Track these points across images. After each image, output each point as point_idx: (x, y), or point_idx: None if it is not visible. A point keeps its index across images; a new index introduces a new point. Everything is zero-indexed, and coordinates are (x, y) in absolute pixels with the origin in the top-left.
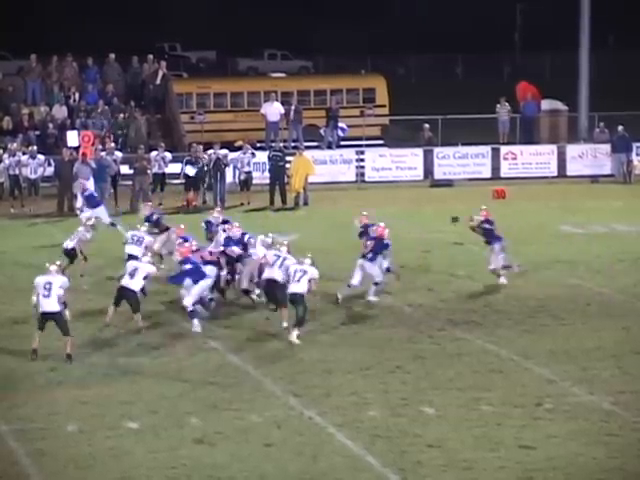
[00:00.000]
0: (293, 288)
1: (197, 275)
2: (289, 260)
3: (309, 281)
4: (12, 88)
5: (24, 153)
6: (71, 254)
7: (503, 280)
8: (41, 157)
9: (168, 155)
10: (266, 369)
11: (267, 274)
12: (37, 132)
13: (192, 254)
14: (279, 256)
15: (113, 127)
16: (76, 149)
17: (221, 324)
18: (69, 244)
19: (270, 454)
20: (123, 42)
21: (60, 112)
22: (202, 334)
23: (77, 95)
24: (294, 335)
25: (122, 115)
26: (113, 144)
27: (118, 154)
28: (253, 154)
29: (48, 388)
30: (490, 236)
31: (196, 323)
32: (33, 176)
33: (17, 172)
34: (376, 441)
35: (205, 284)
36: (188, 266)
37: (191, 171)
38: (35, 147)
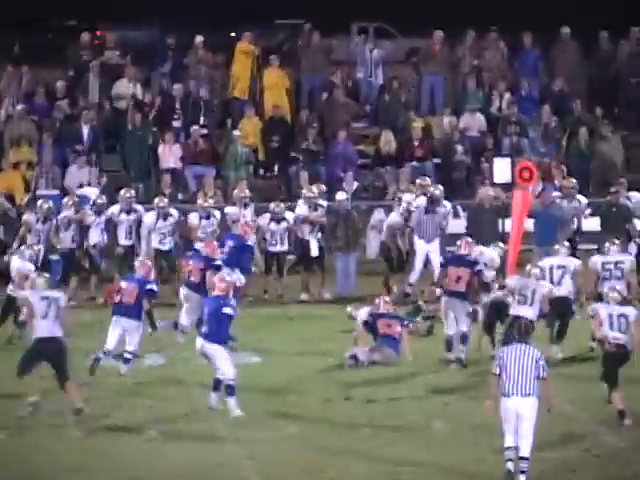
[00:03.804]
0: None
1: None
2: None
3: None
4: (400, 85)
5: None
6: None
7: None
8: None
9: None
10: None
11: None
12: (436, 160)
13: None
14: None
15: (565, 151)
16: (508, 188)
17: None
18: None
19: None
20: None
21: (474, 123)
22: None
23: (507, 95)
24: None
25: (579, 129)
26: (573, 182)
27: (583, 200)
28: None
29: None
30: None
31: None
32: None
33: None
34: None
35: None
36: None
37: None
38: (442, 188)
